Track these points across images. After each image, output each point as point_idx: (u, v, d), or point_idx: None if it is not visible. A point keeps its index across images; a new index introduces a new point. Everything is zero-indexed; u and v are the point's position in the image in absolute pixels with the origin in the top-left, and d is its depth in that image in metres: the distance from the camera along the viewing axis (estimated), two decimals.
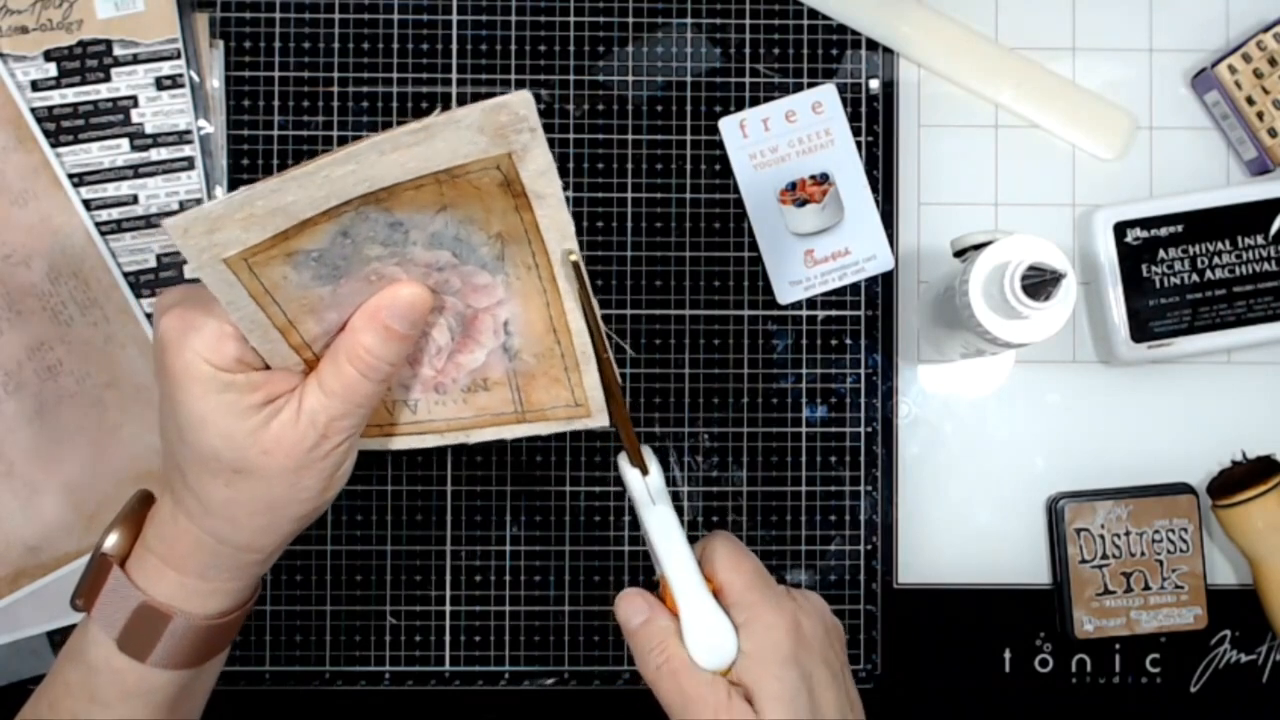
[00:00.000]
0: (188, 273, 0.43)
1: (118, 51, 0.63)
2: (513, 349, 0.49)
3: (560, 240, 0.45)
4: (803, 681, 0.47)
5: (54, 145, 0.62)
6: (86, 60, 0.63)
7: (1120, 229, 0.64)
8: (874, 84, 0.66)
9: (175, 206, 0.63)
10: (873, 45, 0.66)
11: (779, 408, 0.65)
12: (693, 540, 0.50)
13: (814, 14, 0.66)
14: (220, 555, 0.47)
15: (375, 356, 0.45)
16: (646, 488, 0.49)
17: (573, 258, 0.44)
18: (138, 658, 0.47)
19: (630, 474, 0.49)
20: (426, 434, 0.52)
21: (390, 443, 0.52)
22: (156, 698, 0.48)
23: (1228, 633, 0.66)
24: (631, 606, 0.50)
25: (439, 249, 0.45)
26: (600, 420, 0.50)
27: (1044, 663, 0.66)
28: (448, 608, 0.65)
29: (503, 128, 0.41)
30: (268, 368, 0.46)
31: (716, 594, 0.48)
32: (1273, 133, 0.64)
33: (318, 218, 0.42)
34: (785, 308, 0.66)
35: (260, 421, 0.44)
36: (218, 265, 0.42)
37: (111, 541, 0.49)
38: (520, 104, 0.40)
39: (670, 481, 0.64)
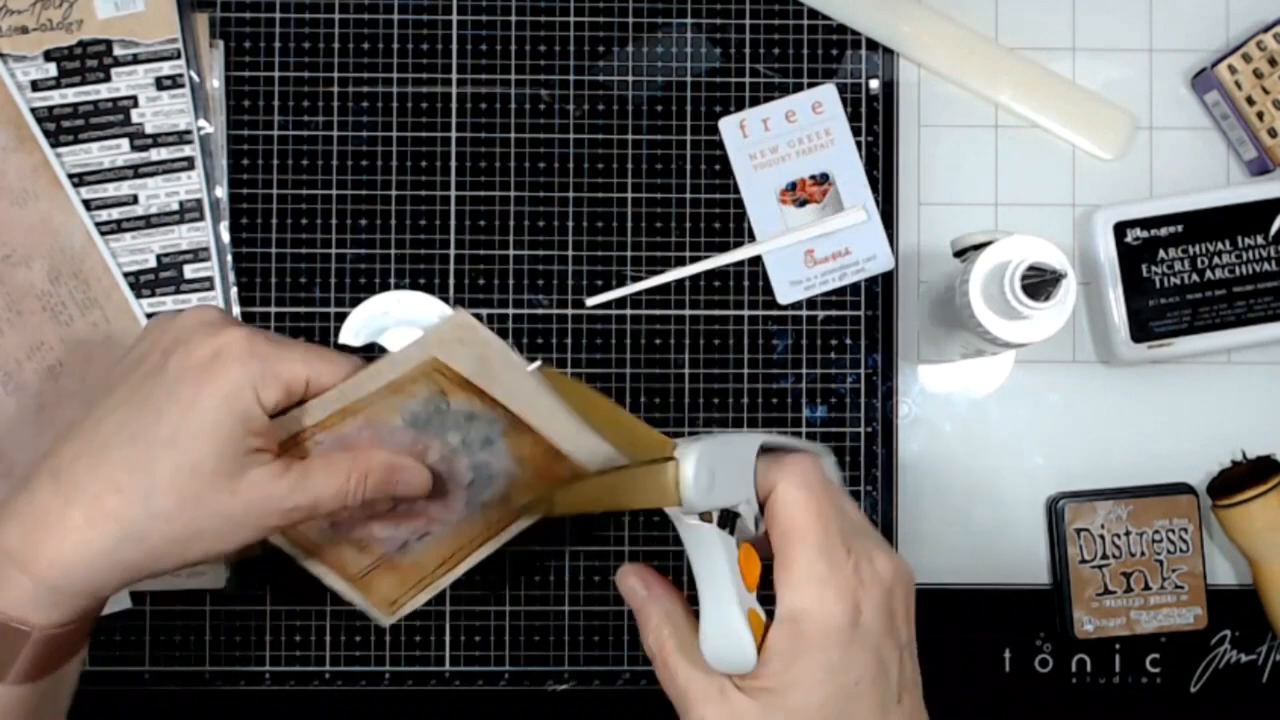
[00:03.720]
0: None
1: (118, 51, 0.63)
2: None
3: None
4: (836, 694, 0.43)
5: (54, 145, 0.62)
6: (86, 60, 0.63)
7: (1120, 229, 0.64)
8: (874, 84, 0.66)
9: (175, 206, 0.63)
10: (873, 45, 0.66)
11: (779, 408, 0.65)
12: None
13: (814, 14, 0.66)
14: (110, 558, 0.44)
15: (364, 487, 0.48)
16: (679, 513, 0.45)
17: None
18: None
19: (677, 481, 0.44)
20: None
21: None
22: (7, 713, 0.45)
23: (1228, 633, 0.66)
24: (626, 586, 0.48)
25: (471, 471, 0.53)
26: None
27: (1044, 663, 0.66)
28: (448, 608, 0.65)
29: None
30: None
31: (770, 554, 0.44)
32: (1273, 133, 0.64)
33: (471, 386, 0.50)
34: (785, 308, 0.66)
35: (240, 465, 0.45)
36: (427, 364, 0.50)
37: None
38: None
39: None
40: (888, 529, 0.65)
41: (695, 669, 0.45)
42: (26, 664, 0.45)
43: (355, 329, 0.64)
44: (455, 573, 0.56)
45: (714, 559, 0.44)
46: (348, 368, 0.49)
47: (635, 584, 0.48)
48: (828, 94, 0.66)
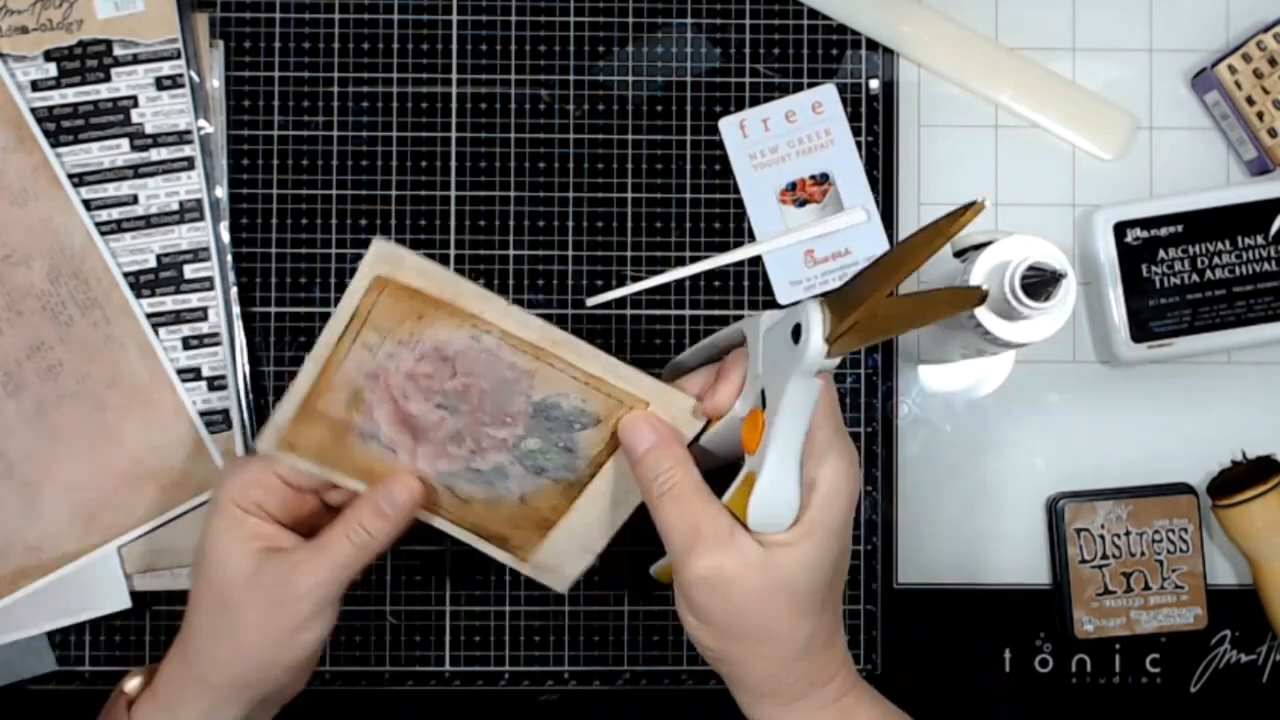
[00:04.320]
0: None
1: (118, 51, 0.63)
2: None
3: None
4: (837, 551, 0.48)
5: (54, 145, 0.62)
6: (86, 60, 0.63)
7: (1120, 229, 0.64)
8: (874, 84, 0.66)
9: (175, 206, 0.63)
10: (873, 45, 0.66)
11: None
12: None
13: (814, 14, 0.66)
14: (185, 685, 0.52)
15: (364, 528, 0.51)
16: (823, 362, 0.46)
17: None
18: None
19: (816, 332, 0.45)
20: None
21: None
22: None
23: (1228, 633, 0.66)
24: (637, 433, 0.51)
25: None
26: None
27: (1044, 663, 0.66)
28: (448, 608, 0.65)
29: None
30: (280, 524, 0.52)
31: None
32: (1273, 133, 0.64)
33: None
34: (785, 308, 0.65)
35: (254, 562, 0.50)
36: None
37: (131, 684, 0.54)
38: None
39: None
40: (888, 529, 0.65)
41: (710, 507, 0.48)
42: None
43: None
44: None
45: (802, 418, 0.47)
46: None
47: (646, 431, 0.50)
48: (828, 94, 0.66)
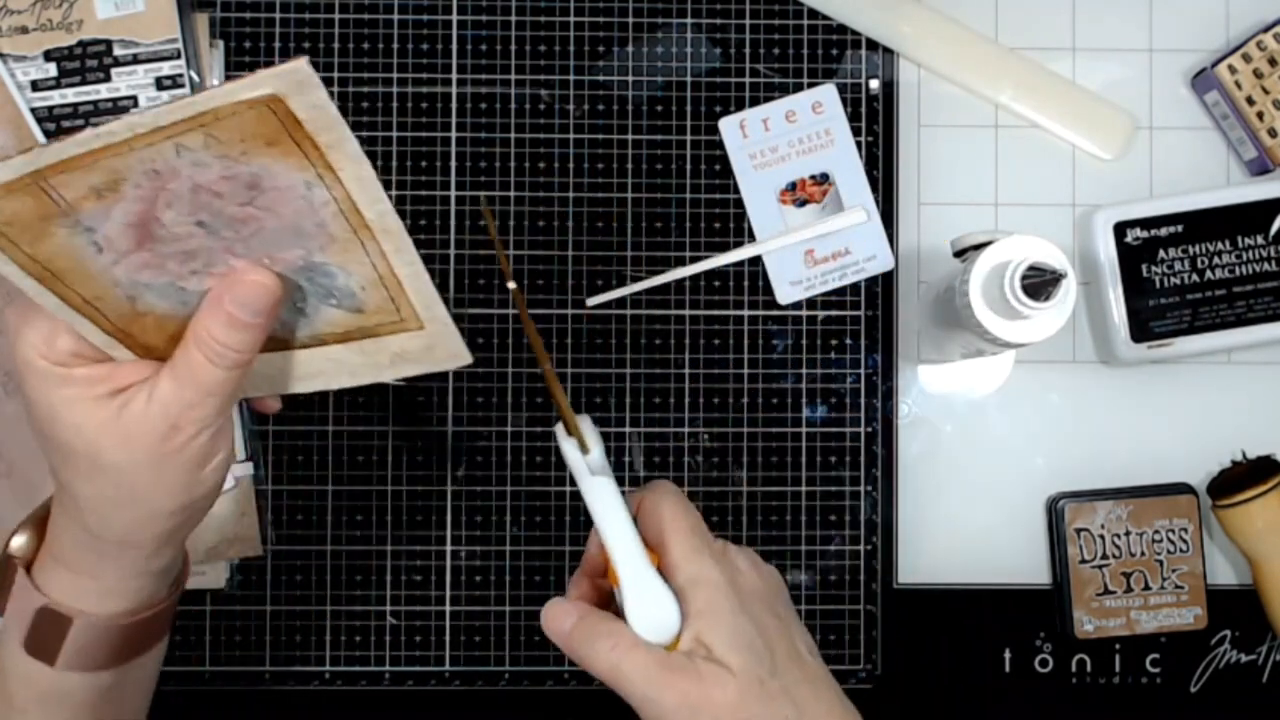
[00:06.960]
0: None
1: (118, 51, 0.63)
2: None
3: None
4: (756, 629, 0.46)
5: None
6: (86, 60, 0.63)
7: (1120, 229, 0.64)
8: (874, 84, 0.66)
9: None
10: (873, 45, 0.66)
11: (779, 408, 0.65)
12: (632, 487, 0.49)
13: (814, 14, 0.66)
14: (101, 551, 0.45)
15: (222, 344, 0.42)
16: (585, 460, 0.47)
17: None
18: (46, 661, 0.46)
19: (567, 445, 0.47)
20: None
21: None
22: (73, 700, 0.46)
23: (1228, 633, 0.66)
24: (558, 617, 0.48)
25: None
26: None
27: (1044, 663, 0.66)
28: (448, 608, 0.65)
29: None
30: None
31: (654, 551, 0.47)
32: (1273, 133, 0.64)
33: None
34: (785, 308, 0.66)
35: (111, 414, 0.42)
36: None
37: (18, 543, 0.47)
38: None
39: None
40: (888, 529, 0.65)
41: (665, 653, 0.46)
42: (81, 653, 0.46)
43: None
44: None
45: (618, 514, 0.47)
46: None
47: (567, 608, 0.47)
48: (828, 94, 0.66)
